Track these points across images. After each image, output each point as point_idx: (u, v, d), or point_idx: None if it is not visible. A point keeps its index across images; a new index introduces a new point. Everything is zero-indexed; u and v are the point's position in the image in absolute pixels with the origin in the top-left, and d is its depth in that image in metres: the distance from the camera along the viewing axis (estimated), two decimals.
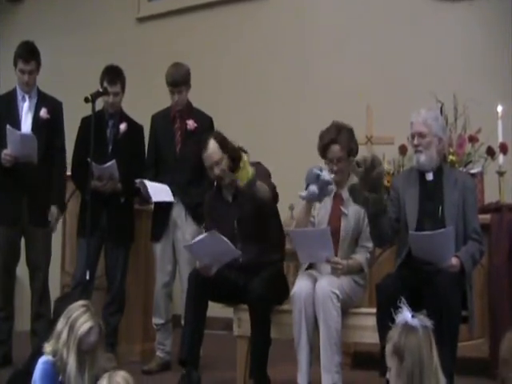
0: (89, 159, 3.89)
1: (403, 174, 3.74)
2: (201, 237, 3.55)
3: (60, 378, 2.61)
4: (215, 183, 3.84)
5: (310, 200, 3.43)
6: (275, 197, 3.72)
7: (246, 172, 3.43)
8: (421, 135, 3.38)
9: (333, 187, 3.42)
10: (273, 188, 3.67)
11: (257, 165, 3.63)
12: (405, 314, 2.21)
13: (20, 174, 4.24)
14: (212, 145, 3.73)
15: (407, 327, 2.17)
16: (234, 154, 3.65)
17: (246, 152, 3.65)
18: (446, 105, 4.33)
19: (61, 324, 2.65)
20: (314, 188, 3.31)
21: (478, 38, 5.32)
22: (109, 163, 4.13)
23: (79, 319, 2.62)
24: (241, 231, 3.68)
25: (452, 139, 4.30)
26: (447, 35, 5.41)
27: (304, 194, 3.35)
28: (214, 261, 3.52)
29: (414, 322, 2.17)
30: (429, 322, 2.19)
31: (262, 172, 3.65)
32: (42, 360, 2.66)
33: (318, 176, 3.29)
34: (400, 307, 2.23)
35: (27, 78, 4.32)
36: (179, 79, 4.28)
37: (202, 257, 3.55)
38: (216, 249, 3.47)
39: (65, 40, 7.03)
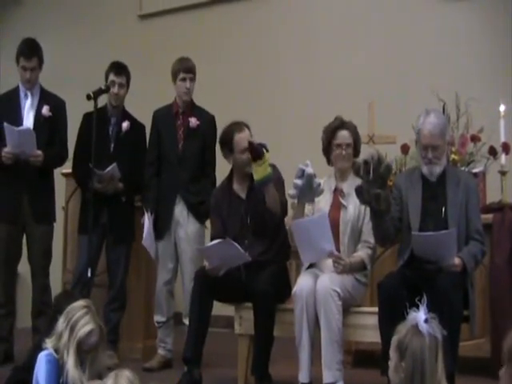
0: (90, 164, 3.87)
1: (406, 173, 3.73)
2: (214, 242, 3.60)
3: (61, 379, 2.61)
4: (228, 176, 3.85)
5: (299, 197, 3.47)
6: (284, 212, 3.72)
7: (265, 169, 3.49)
8: (436, 148, 3.31)
9: (321, 184, 3.46)
10: (284, 203, 3.68)
11: (272, 167, 3.62)
12: (419, 315, 2.08)
13: (21, 171, 4.23)
14: (247, 131, 3.78)
15: (416, 329, 2.06)
16: (255, 151, 3.51)
17: (267, 150, 3.52)
18: (448, 104, 4.33)
19: (61, 324, 2.65)
20: (297, 181, 3.41)
21: (480, 37, 5.31)
22: (109, 167, 4.12)
23: (80, 321, 2.62)
24: (252, 227, 3.70)
25: (454, 138, 4.29)
26: (449, 34, 5.40)
27: (291, 191, 3.44)
28: (224, 264, 3.55)
29: (424, 327, 2.05)
30: (439, 334, 2.06)
31: (275, 176, 3.65)
32: (45, 352, 2.66)
33: (304, 171, 3.38)
34: (405, 305, 2.15)
35: (29, 76, 4.30)
36: (192, 66, 4.31)
37: (212, 259, 3.58)
38: (227, 253, 3.52)
39: (67, 37, 7.03)
